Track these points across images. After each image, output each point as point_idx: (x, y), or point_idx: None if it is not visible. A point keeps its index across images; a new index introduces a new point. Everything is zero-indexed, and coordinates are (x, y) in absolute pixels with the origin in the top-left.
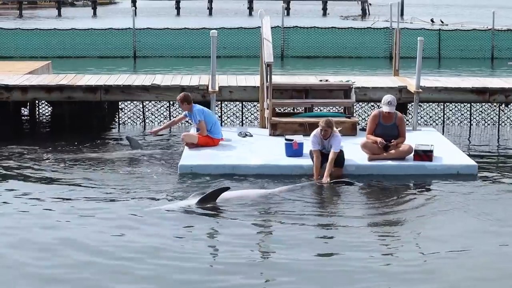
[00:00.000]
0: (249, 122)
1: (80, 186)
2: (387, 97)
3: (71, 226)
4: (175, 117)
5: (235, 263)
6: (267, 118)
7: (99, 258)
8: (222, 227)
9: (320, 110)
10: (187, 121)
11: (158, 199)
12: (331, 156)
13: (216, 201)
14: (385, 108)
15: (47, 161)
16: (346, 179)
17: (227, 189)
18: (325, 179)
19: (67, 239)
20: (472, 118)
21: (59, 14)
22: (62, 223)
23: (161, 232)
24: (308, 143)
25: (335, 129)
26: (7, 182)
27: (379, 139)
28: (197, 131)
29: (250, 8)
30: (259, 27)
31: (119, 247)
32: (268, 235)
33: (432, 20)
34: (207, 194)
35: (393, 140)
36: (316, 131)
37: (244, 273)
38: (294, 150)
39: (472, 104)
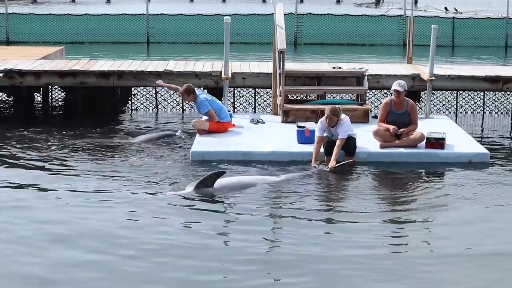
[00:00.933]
0: (261, 108)
1: (90, 172)
2: (398, 80)
3: (82, 216)
4: (187, 103)
5: (237, 256)
6: (280, 105)
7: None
8: (215, 216)
9: (333, 97)
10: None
11: (169, 186)
12: (337, 142)
13: (214, 186)
14: (393, 86)
15: (58, 146)
16: (348, 161)
17: (223, 173)
18: (331, 163)
19: (79, 230)
20: (485, 106)
21: (73, 0)
22: (73, 210)
23: (152, 222)
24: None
25: (343, 116)
26: (19, 167)
27: (392, 127)
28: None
29: None
30: (273, 13)
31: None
32: (272, 225)
33: (446, 8)
34: (203, 179)
35: (403, 129)
36: (323, 118)
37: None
38: (306, 137)
39: (485, 92)
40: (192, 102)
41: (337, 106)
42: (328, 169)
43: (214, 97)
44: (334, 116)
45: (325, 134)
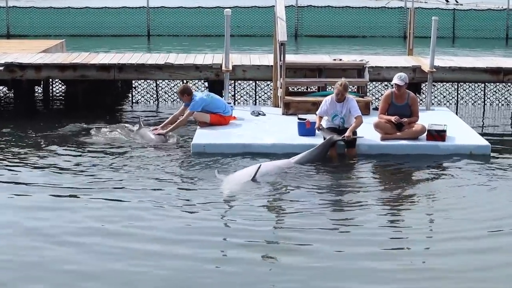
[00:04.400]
0: (262, 101)
1: (93, 166)
2: (399, 73)
3: (87, 207)
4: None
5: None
6: (280, 97)
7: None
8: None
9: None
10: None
11: (172, 178)
12: (355, 122)
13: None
14: (394, 80)
15: (59, 140)
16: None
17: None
18: (348, 133)
19: (85, 224)
20: (486, 98)
21: None
22: (75, 204)
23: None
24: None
25: (348, 95)
26: (20, 161)
27: (393, 117)
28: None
29: None
30: (273, 6)
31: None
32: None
33: (446, 0)
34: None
35: (405, 119)
36: (329, 97)
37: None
38: (307, 129)
39: (486, 84)
40: (188, 102)
41: (346, 81)
42: (343, 138)
43: (216, 96)
44: (344, 90)
45: (326, 118)
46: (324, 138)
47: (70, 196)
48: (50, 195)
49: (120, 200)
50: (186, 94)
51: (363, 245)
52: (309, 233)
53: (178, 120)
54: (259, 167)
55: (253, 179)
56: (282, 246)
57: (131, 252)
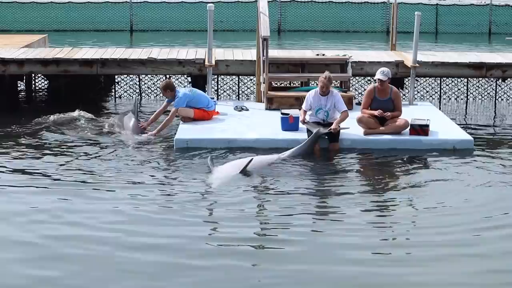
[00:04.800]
0: (245, 96)
1: (77, 160)
2: (381, 68)
3: (73, 203)
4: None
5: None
6: (263, 92)
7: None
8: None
9: (317, 84)
10: None
11: (154, 174)
12: (341, 116)
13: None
14: (377, 75)
15: (43, 135)
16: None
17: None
18: (335, 125)
19: (72, 221)
20: (468, 93)
21: None
22: (61, 201)
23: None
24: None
25: (332, 88)
26: (2, 157)
27: (377, 112)
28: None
29: None
30: (256, 1)
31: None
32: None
33: None
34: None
35: (388, 113)
36: (313, 91)
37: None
38: (290, 124)
39: (469, 79)
40: (170, 98)
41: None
42: (329, 130)
43: (198, 91)
44: (329, 82)
45: (309, 112)
46: (308, 131)
47: (49, 193)
48: (28, 191)
49: (100, 198)
50: (169, 89)
51: (346, 236)
52: (294, 227)
53: (165, 120)
54: (250, 161)
55: (242, 172)
56: (267, 240)
57: (114, 250)
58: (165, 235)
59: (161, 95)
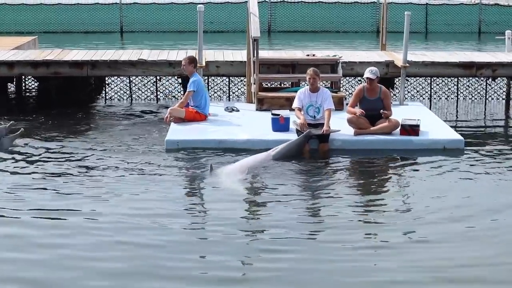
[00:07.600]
0: (236, 97)
1: (68, 161)
2: (370, 67)
3: (64, 205)
4: (161, 91)
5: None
6: (254, 93)
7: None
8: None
9: (307, 85)
10: (174, 96)
11: (145, 174)
12: (327, 114)
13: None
14: (366, 74)
15: (33, 136)
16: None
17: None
18: (326, 127)
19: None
20: (459, 92)
21: None
22: (54, 201)
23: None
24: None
25: (321, 85)
26: None
27: (358, 111)
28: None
29: None
30: (246, 1)
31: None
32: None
33: None
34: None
35: (385, 111)
36: (303, 89)
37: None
38: (280, 125)
39: (459, 78)
40: (187, 74)
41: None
42: (322, 132)
43: (205, 87)
44: (317, 76)
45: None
46: (298, 131)
47: (39, 193)
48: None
49: (90, 197)
50: (193, 64)
51: (338, 234)
52: (286, 228)
53: (179, 101)
54: (249, 161)
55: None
56: (259, 242)
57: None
58: (154, 237)
59: (152, 96)
